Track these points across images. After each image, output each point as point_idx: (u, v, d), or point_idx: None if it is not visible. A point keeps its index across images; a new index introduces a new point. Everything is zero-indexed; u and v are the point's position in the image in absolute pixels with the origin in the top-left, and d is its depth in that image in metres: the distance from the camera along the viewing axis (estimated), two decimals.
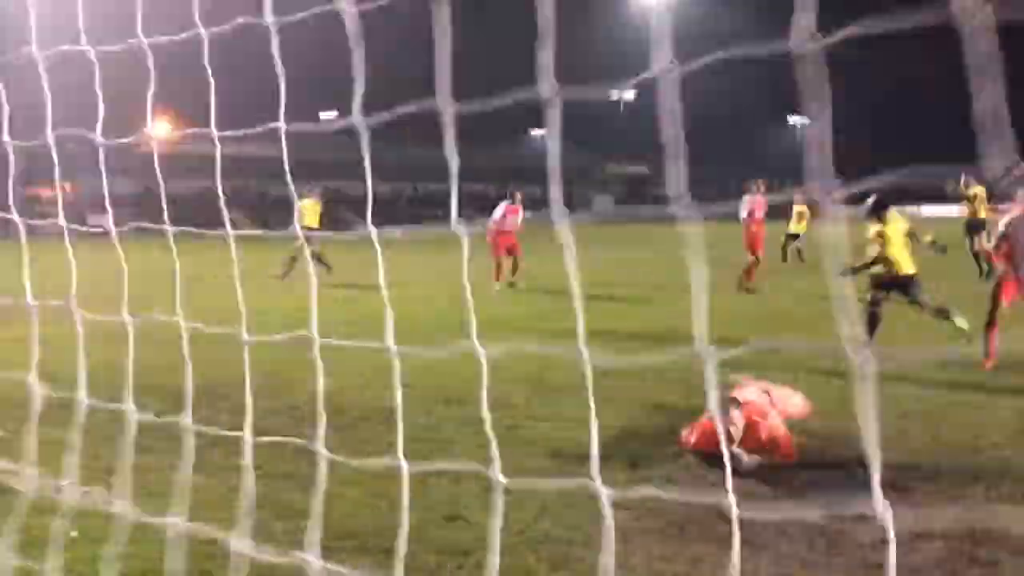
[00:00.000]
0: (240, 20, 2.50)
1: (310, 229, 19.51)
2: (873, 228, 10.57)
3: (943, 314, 10.63)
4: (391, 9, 2.21)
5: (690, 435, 6.44)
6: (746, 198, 19.36)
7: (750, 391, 6.35)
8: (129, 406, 2.90)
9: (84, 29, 2.94)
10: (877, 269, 10.54)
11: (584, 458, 5.97)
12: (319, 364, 2.40)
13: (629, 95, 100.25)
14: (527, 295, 17.96)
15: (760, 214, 19.25)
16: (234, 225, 2.77)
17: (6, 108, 3.11)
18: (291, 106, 2.53)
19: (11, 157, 3.22)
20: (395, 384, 2.25)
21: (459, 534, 5.07)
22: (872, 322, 10.44)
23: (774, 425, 6.16)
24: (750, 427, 6.10)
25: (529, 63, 2.05)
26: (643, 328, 12.96)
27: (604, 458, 5.85)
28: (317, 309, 2.47)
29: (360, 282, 16.62)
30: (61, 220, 3.12)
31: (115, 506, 4.84)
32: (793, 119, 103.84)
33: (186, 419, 2.75)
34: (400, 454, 2.25)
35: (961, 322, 10.47)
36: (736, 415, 6.08)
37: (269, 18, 2.35)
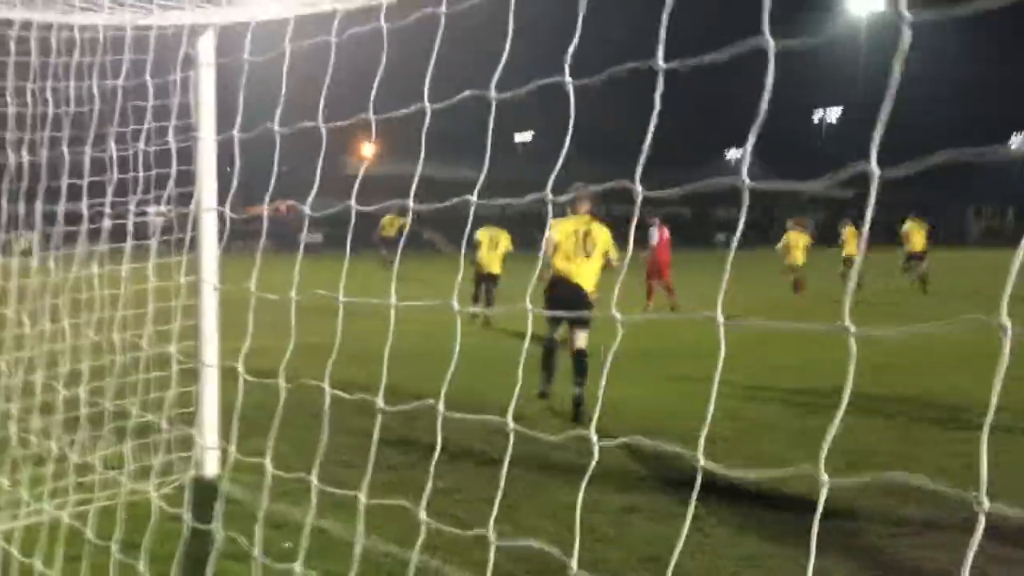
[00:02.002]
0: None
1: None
2: None
3: None
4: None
5: None
6: None
7: None
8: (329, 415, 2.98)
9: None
10: None
11: (805, 512, 5.70)
12: (518, 381, 2.37)
13: (832, 116, 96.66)
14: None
15: None
16: (432, 245, 2.81)
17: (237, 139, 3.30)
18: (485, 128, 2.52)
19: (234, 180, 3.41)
20: (595, 414, 2.18)
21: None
22: None
23: None
24: None
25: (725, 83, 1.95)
26: None
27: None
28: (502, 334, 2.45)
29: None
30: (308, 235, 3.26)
31: (324, 521, 5.05)
32: None
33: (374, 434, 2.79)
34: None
35: None
36: None
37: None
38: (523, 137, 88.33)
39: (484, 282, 17.28)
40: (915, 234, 25.05)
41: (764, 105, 1.63)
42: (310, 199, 2.92)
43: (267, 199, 3.27)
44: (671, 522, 5.50)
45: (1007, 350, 1.34)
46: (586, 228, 8.68)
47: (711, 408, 1.81)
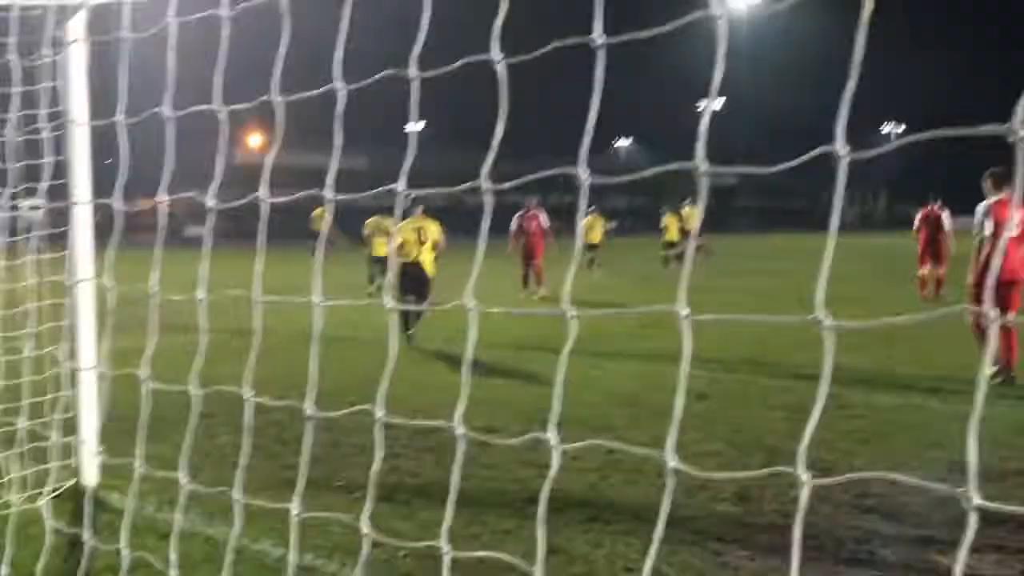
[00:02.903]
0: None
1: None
2: None
3: None
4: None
5: None
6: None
7: None
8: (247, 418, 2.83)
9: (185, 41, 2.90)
10: None
11: (692, 489, 5.74)
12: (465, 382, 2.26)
13: (716, 104, 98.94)
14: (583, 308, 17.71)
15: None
16: (331, 240, 2.68)
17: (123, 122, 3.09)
18: (377, 118, 2.42)
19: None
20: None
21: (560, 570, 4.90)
22: None
23: None
24: None
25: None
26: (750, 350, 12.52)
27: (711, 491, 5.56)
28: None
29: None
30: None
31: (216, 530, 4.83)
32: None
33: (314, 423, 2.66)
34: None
35: None
36: None
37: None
38: (415, 127, 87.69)
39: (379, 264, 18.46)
40: (593, 229, 26.10)
41: (716, 79, 1.57)
42: (214, 190, 2.75)
43: (163, 191, 3.07)
44: (575, 512, 5.49)
45: (992, 336, 1.31)
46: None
47: (678, 410, 1.76)
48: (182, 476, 2.69)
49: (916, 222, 19.12)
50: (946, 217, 18.50)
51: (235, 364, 3.83)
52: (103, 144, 4.33)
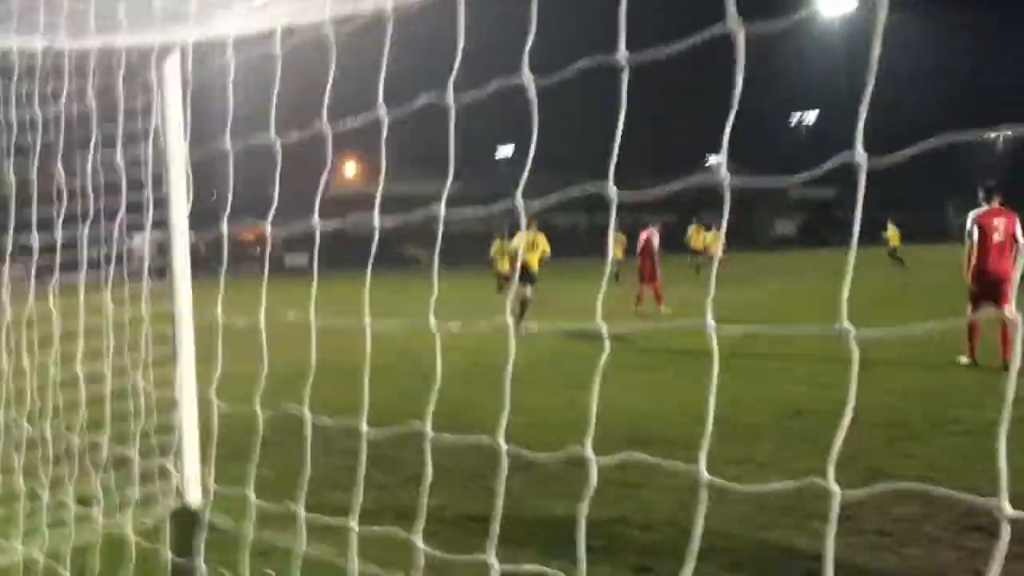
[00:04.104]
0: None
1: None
2: None
3: None
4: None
5: None
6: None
7: None
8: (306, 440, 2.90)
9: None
10: None
11: (784, 509, 5.64)
12: (507, 400, 2.29)
13: (810, 117, 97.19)
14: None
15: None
16: (416, 260, 2.74)
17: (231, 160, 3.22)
18: (469, 143, 2.48)
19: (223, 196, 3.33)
20: (590, 422, 2.11)
21: None
22: None
23: None
24: None
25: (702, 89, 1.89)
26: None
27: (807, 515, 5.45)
28: (499, 347, 2.39)
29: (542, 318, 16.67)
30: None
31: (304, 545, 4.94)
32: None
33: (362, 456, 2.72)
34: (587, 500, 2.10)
35: None
36: None
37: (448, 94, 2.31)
38: (504, 152, 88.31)
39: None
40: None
41: (737, 93, 1.57)
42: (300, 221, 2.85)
43: (269, 221, 3.19)
44: (664, 532, 5.43)
45: (1019, 345, 1.28)
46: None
47: (710, 419, 1.76)
48: (295, 501, 2.77)
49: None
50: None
51: (334, 389, 3.93)
52: (200, 180, 4.51)
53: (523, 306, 18.01)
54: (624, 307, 20.02)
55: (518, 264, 16.79)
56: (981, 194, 11.66)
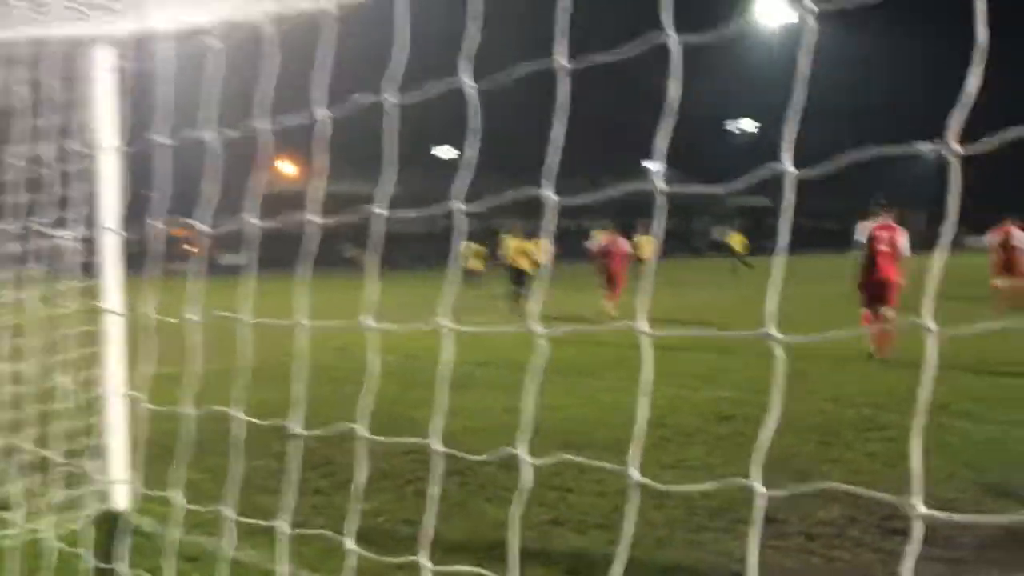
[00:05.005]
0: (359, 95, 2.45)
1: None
2: None
3: None
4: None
5: None
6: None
7: None
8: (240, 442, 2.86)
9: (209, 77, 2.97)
10: None
11: (714, 512, 5.73)
12: (443, 402, 2.28)
13: (749, 125, 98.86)
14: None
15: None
16: (353, 261, 2.71)
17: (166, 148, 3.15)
18: (408, 142, 2.46)
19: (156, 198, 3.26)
20: (526, 426, 2.11)
21: None
22: None
23: None
24: None
25: (644, 98, 1.91)
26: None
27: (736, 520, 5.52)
28: (436, 349, 2.38)
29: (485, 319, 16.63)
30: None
31: (230, 548, 4.87)
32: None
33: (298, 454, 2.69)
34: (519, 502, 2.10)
35: None
36: None
37: (391, 98, 2.29)
38: (445, 152, 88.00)
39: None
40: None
41: (672, 104, 1.59)
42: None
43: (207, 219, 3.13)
44: (596, 534, 5.46)
45: (933, 352, 1.31)
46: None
47: (641, 423, 1.77)
48: (226, 504, 2.72)
49: (991, 238, 20.88)
50: (1017, 234, 20.22)
51: (267, 390, 3.87)
52: (135, 175, 4.41)
53: (517, 301, 21.40)
54: (564, 309, 20.10)
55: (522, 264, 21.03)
56: (874, 209, 13.34)
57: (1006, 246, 20.11)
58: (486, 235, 33.65)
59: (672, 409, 9.07)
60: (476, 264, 31.68)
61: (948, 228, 1.35)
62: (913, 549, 1.36)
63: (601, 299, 20.67)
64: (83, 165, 4.95)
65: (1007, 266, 20.02)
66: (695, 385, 10.51)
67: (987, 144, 1.29)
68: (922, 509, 1.33)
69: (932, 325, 1.33)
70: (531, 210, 2.17)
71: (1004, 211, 21.19)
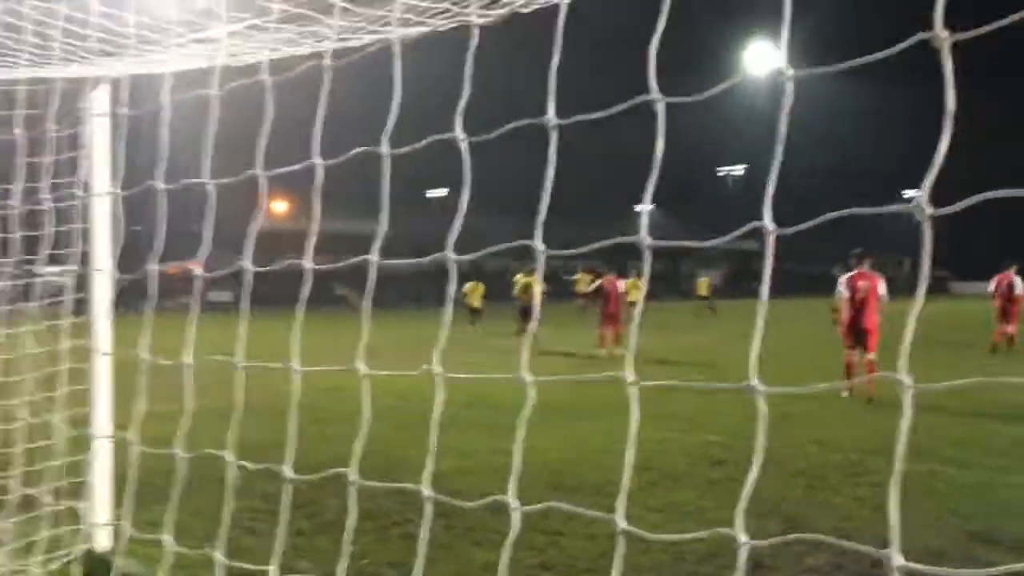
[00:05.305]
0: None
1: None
2: None
3: None
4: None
5: None
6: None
7: None
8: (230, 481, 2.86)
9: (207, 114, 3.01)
10: None
11: (703, 557, 5.71)
12: (433, 445, 2.30)
13: (738, 170, 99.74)
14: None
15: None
16: (345, 300, 2.74)
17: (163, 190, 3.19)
18: (401, 183, 2.50)
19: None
20: (514, 470, 2.13)
21: None
22: None
23: None
24: None
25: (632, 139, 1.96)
26: None
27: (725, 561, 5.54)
28: (427, 390, 2.40)
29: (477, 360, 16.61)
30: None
31: None
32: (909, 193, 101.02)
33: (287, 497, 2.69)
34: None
35: None
36: None
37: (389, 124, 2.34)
38: (437, 193, 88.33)
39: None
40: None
41: (658, 158, 1.64)
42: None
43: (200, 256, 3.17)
44: None
45: (908, 407, 1.35)
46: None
47: (628, 469, 1.79)
48: (212, 546, 2.71)
49: (993, 285, 21.76)
50: (1018, 281, 21.21)
51: (254, 430, 3.87)
52: (129, 213, 4.43)
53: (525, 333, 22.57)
54: (555, 346, 20.11)
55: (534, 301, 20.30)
56: (852, 261, 14.16)
57: (1006, 292, 21.06)
58: (479, 275, 33.97)
59: (661, 452, 9.05)
60: (475, 301, 32.51)
61: (921, 282, 1.39)
62: None
63: (598, 339, 21.38)
64: (77, 203, 4.98)
65: (1006, 312, 20.89)
66: (683, 427, 10.51)
67: (956, 207, 1.35)
68: (900, 561, 1.35)
69: (908, 380, 1.36)
70: (523, 251, 2.21)
71: (1004, 258, 22.17)
